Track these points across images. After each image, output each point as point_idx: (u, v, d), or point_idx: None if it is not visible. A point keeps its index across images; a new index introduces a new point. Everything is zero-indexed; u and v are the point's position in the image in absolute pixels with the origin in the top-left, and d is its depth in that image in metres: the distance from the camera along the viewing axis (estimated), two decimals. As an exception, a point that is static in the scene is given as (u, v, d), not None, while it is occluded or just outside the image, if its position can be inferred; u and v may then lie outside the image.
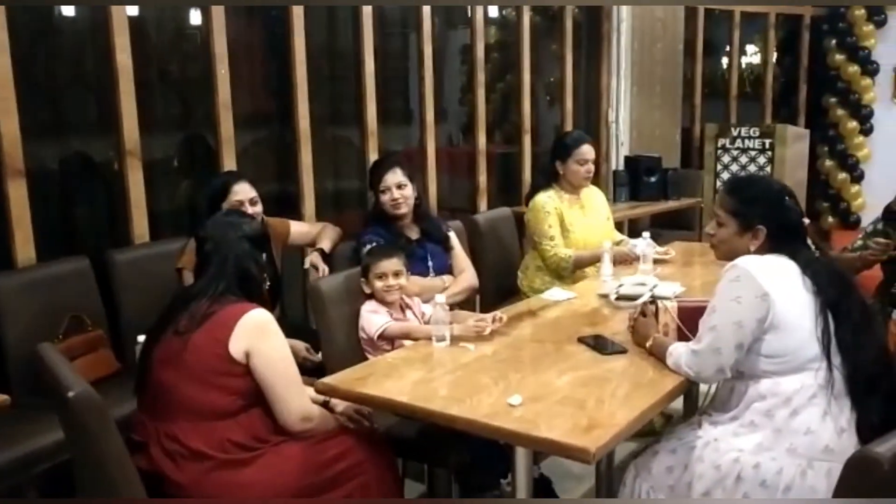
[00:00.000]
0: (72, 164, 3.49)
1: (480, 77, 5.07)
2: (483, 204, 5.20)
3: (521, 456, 2.00)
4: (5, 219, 3.01)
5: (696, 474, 2.09)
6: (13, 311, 2.87)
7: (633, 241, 3.62)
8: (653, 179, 5.61)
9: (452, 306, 3.04)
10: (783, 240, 2.11)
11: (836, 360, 2.00)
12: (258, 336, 2.06)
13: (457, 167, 5.36)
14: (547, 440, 1.82)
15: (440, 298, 2.48)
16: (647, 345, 2.31)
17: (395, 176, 3.17)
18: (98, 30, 3.29)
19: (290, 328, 3.12)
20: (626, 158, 5.89)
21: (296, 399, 2.11)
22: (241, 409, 2.07)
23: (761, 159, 6.27)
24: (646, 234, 3.47)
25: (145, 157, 3.43)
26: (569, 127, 5.79)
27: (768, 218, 2.13)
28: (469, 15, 5.05)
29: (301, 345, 2.93)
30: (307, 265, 3.22)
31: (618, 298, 2.88)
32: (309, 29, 4.06)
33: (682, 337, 2.29)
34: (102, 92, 3.37)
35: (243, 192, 3.06)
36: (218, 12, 3.65)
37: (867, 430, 1.95)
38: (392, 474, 2.28)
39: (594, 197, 3.83)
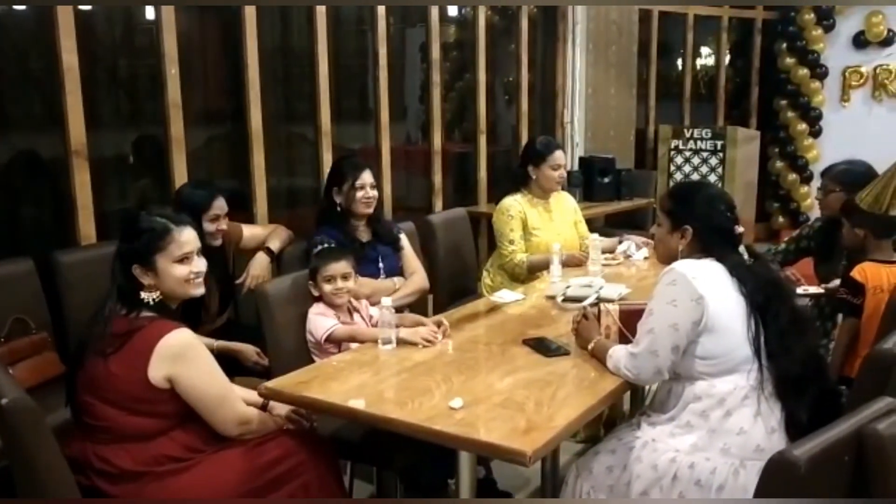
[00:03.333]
0: (16, 162, 3.43)
1: (436, 76, 5.10)
2: (439, 203, 5.23)
3: (465, 458, 2.02)
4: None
5: (634, 474, 2.13)
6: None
7: (625, 243, 3.71)
8: (606, 180, 5.68)
9: (403, 308, 3.07)
10: (711, 242, 2.17)
11: (766, 362, 2.06)
12: (177, 362, 2.01)
13: (414, 166, 5.38)
14: (485, 443, 1.84)
15: (386, 301, 2.49)
16: (590, 347, 2.35)
17: (368, 175, 3.19)
18: (45, 28, 3.25)
19: (243, 331, 3.13)
20: (581, 159, 5.96)
21: (228, 412, 2.10)
22: (172, 426, 2.06)
23: (713, 160, 6.39)
24: (595, 236, 3.54)
25: (94, 156, 3.39)
26: (525, 127, 5.85)
27: (696, 219, 2.20)
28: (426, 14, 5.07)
29: (251, 349, 2.92)
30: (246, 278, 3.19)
31: (564, 300, 2.92)
32: (264, 27, 4.05)
33: (624, 339, 2.33)
34: (50, 89, 3.32)
35: (221, 207, 3.06)
36: (168, 11, 3.62)
37: (796, 430, 2.01)
38: (334, 475, 2.29)
39: (563, 201, 3.89)
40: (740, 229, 2.20)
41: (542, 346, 2.44)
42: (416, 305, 3.32)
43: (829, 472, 1.40)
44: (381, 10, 4.69)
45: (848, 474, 1.44)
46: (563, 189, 3.87)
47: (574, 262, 3.52)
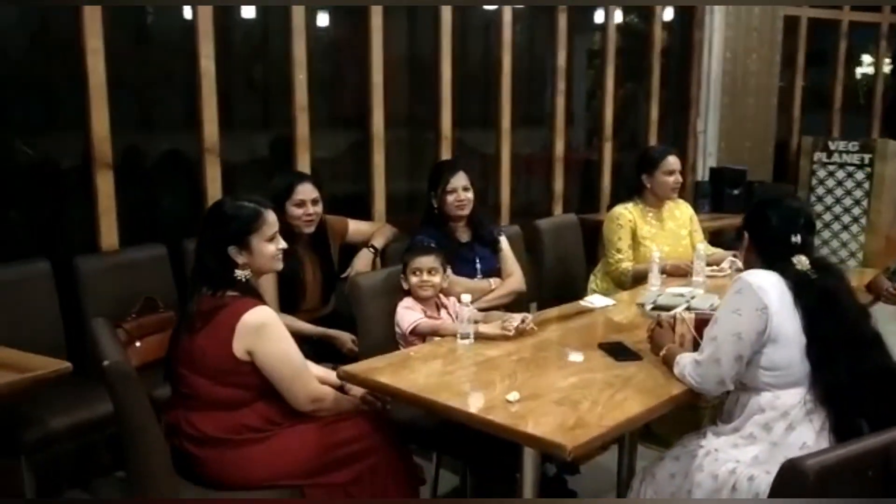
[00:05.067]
0: (158, 159, 3.79)
1: (561, 85, 5.14)
2: (558, 209, 5.26)
3: (529, 454, 2.08)
4: (93, 207, 3.32)
5: (695, 482, 2.11)
6: (94, 289, 3.17)
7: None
8: (736, 192, 5.50)
9: (498, 308, 3.15)
10: (766, 252, 2.14)
11: (827, 377, 1.99)
12: (257, 337, 2.19)
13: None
14: (529, 434, 1.90)
15: (466, 298, 2.59)
16: (661, 354, 2.35)
17: (460, 179, 3.30)
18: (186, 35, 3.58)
19: (346, 321, 3.32)
20: (712, 170, 5.80)
21: (300, 387, 2.26)
22: (255, 398, 2.24)
23: (859, 175, 6.03)
24: (700, 247, 3.48)
25: (226, 155, 3.70)
26: (653, 135, 5.76)
27: (751, 227, 2.18)
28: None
29: (347, 336, 3.10)
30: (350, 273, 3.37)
31: (653, 308, 2.90)
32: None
33: (698, 348, 2.31)
34: (189, 92, 3.65)
35: (305, 192, 3.24)
36: (299, 17, 3.88)
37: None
38: (404, 461, 2.40)
39: (678, 210, 3.85)
40: (796, 239, 2.13)
41: (616, 351, 2.45)
42: (515, 308, 3.38)
43: (846, 486, 1.36)
44: (508, 16, 4.80)
45: (871, 490, 1.39)
46: (679, 197, 3.82)
47: (679, 272, 3.47)
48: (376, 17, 4.16)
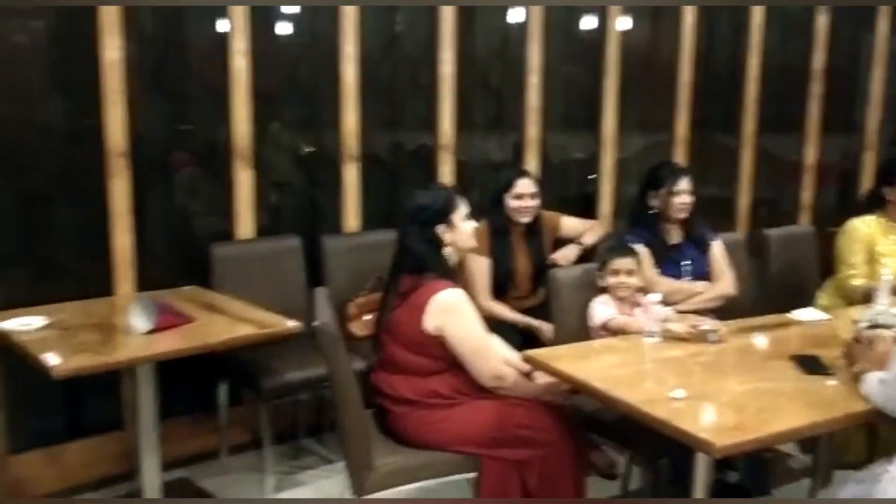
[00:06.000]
0: (401, 154, 4.19)
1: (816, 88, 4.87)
2: (804, 219, 4.99)
3: (701, 457, 2.11)
4: (339, 194, 3.78)
5: (873, 507, 2.01)
6: (336, 266, 3.61)
7: None
8: None
9: (703, 312, 3.13)
10: None
11: None
12: (446, 315, 2.43)
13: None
14: (680, 429, 1.94)
15: (654, 297, 2.64)
16: (854, 370, 2.24)
17: (686, 182, 3.34)
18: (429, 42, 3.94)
19: (548, 311, 3.48)
20: None
21: (483, 364, 2.47)
22: (444, 368, 2.49)
23: None
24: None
25: (461, 152, 4.02)
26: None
27: None
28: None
29: (549, 327, 3.25)
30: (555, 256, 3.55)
31: (869, 326, 2.72)
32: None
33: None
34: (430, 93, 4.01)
35: (525, 186, 3.47)
36: (534, 22, 4.09)
37: None
38: (578, 456, 2.51)
39: None
40: None
41: (807, 364, 2.37)
42: (726, 315, 3.32)
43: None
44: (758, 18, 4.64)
45: None
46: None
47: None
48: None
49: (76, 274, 3.24)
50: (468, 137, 4.12)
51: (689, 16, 4.53)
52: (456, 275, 2.61)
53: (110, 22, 3.05)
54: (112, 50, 3.07)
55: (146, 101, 3.27)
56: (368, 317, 3.53)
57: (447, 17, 3.86)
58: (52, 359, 2.31)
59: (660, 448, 2.57)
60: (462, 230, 2.59)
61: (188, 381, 3.28)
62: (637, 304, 2.94)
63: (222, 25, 3.41)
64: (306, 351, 3.22)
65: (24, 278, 3.10)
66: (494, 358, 2.52)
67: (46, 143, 3.18)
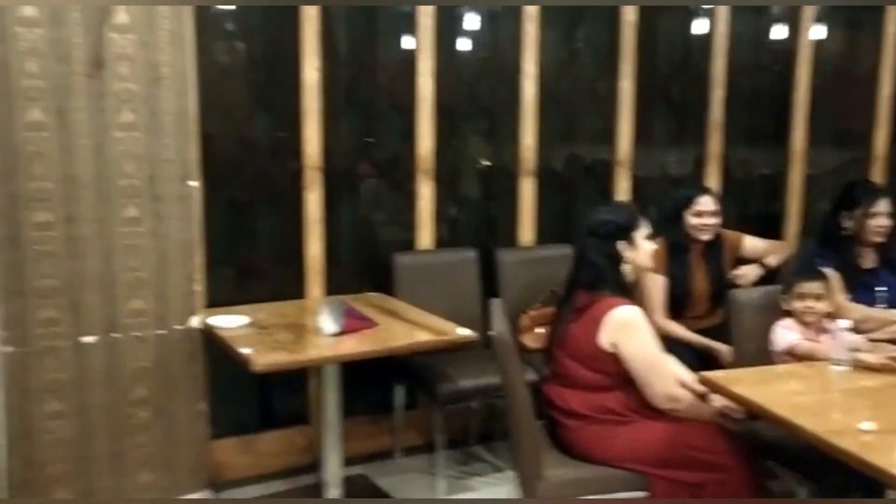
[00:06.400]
0: (574, 167, 4.21)
1: None
2: None
3: (892, 494, 2.00)
4: (515, 208, 3.85)
5: None
6: (510, 279, 3.69)
7: None
8: None
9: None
10: None
11: None
12: (622, 332, 2.43)
13: None
14: (871, 464, 1.83)
15: (843, 324, 2.50)
16: None
17: (885, 204, 3.17)
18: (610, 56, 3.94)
19: (727, 332, 3.38)
20: None
21: (658, 384, 2.44)
22: (616, 385, 2.48)
23: None
24: None
25: (637, 168, 3.99)
26: None
27: None
28: None
29: (727, 349, 3.15)
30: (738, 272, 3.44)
31: None
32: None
33: None
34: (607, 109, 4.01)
35: (705, 204, 3.40)
36: (720, 33, 3.99)
37: None
38: (755, 485, 2.42)
39: None
40: None
41: None
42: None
43: None
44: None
45: None
46: None
47: None
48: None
49: (272, 277, 3.52)
50: (646, 152, 4.08)
51: (891, 25, 4.25)
52: (632, 292, 2.60)
53: (310, 44, 3.29)
54: (311, 70, 3.31)
55: (338, 117, 3.50)
56: (540, 330, 3.58)
57: (627, 34, 3.85)
58: (252, 354, 2.52)
59: (846, 482, 2.44)
60: (643, 249, 2.59)
61: (367, 383, 3.47)
62: (824, 330, 2.79)
63: (408, 43, 3.58)
64: (479, 360, 3.32)
65: (228, 279, 3.40)
66: (669, 378, 2.49)
67: (250, 156, 3.47)
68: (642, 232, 2.59)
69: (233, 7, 3.32)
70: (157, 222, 2.87)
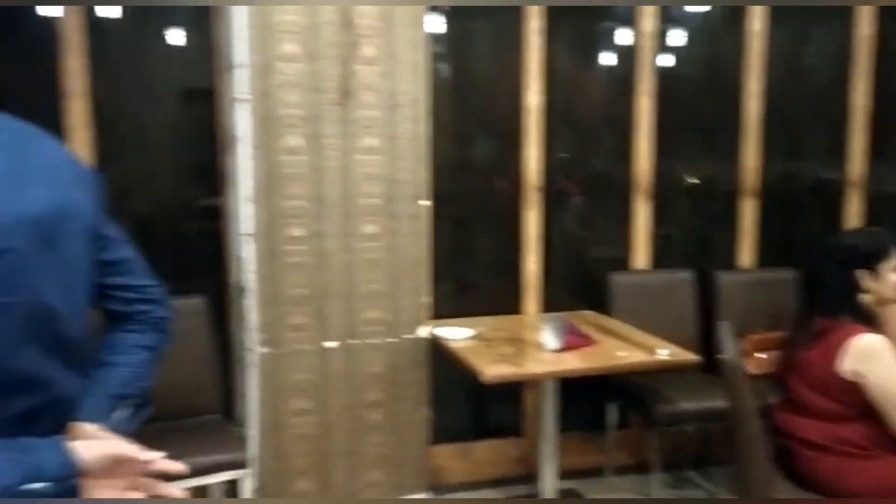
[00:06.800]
0: (796, 187, 4.03)
1: None
2: None
3: None
4: (734, 229, 3.76)
5: None
6: (729, 301, 3.61)
7: None
8: None
9: None
10: None
11: None
12: (865, 361, 2.30)
13: None
14: None
15: None
16: None
17: None
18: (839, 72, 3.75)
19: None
20: None
21: None
22: (855, 416, 2.35)
23: None
24: None
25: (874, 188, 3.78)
26: None
27: None
28: None
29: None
30: None
31: None
32: None
33: None
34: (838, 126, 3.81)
35: None
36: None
37: None
38: None
39: None
40: None
41: None
42: None
43: None
44: None
45: None
46: None
47: None
48: None
49: (491, 292, 3.66)
50: (881, 171, 3.84)
51: None
52: (874, 322, 2.46)
53: (534, 71, 3.41)
54: (534, 95, 3.43)
55: (555, 138, 3.59)
56: (763, 355, 3.47)
57: (861, 47, 3.66)
58: (482, 365, 2.65)
59: None
60: (888, 281, 2.44)
61: (581, 400, 3.51)
62: None
63: (624, 65, 3.62)
64: (696, 382, 3.28)
65: (450, 293, 3.58)
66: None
67: (472, 176, 3.65)
68: (890, 263, 2.43)
69: (459, 35, 3.51)
70: (392, 238, 3.09)
